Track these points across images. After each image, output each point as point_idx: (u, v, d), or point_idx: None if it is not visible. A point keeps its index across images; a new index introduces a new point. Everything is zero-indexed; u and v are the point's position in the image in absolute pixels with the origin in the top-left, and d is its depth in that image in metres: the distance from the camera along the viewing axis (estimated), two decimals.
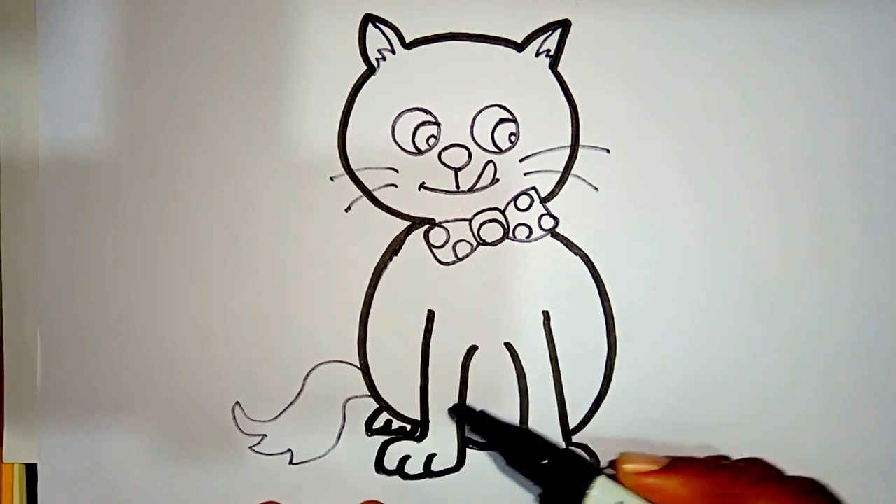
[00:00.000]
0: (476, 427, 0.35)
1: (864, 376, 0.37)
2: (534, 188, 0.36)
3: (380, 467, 0.37)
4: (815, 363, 0.37)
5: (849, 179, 0.37)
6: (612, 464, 0.33)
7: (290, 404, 0.37)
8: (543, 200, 0.37)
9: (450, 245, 0.36)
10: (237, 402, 0.37)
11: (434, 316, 0.37)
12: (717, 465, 0.31)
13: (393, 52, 0.37)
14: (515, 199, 0.36)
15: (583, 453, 0.36)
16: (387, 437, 0.37)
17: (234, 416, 0.37)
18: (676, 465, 0.31)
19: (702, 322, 0.36)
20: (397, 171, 0.36)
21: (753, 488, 0.30)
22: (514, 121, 0.36)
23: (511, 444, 0.34)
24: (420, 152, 0.36)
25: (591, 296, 0.36)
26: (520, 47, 0.36)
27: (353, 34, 0.37)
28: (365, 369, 0.37)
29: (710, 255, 0.36)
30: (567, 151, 0.37)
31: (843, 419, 0.37)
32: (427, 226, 0.37)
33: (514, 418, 0.37)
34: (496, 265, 0.37)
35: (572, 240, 0.37)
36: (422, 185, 0.36)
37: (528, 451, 0.33)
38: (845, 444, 0.37)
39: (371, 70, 0.37)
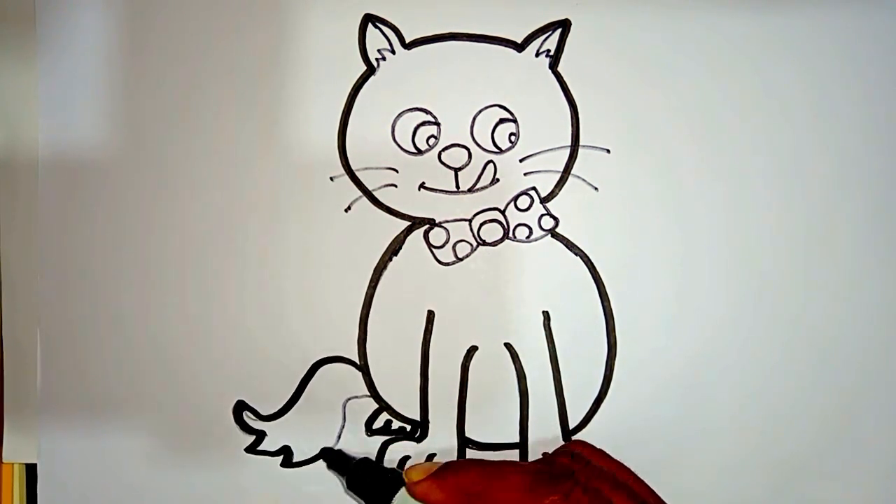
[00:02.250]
0: (330, 463, 0.37)
1: (866, 376, 0.37)
2: (534, 188, 0.36)
3: None
4: (816, 363, 0.37)
5: (854, 180, 0.37)
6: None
7: (291, 404, 0.37)
8: (543, 200, 0.37)
9: (450, 245, 0.36)
10: (238, 402, 0.37)
11: (434, 316, 0.37)
12: (472, 466, 0.33)
13: (393, 52, 0.37)
14: (515, 199, 0.36)
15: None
16: (387, 437, 0.37)
17: (234, 416, 0.37)
18: (440, 471, 0.33)
19: (702, 322, 0.36)
20: (397, 172, 0.36)
21: (491, 482, 0.32)
22: (514, 121, 0.36)
23: (349, 470, 0.35)
24: (420, 152, 0.36)
25: (591, 296, 0.37)
26: (520, 47, 0.36)
27: (353, 34, 0.37)
28: (365, 369, 0.37)
29: (710, 254, 0.36)
30: (567, 151, 0.37)
31: (845, 419, 0.37)
32: (427, 226, 0.37)
33: (514, 418, 0.37)
34: (496, 265, 0.37)
35: (572, 240, 0.37)
36: (422, 186, 0.36)
37: (345, 467, 0.36)
38: (845, 444, 0.37)
39: (371, 70, 0.37)
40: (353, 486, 0.35)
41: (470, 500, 0.32)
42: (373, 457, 0.37)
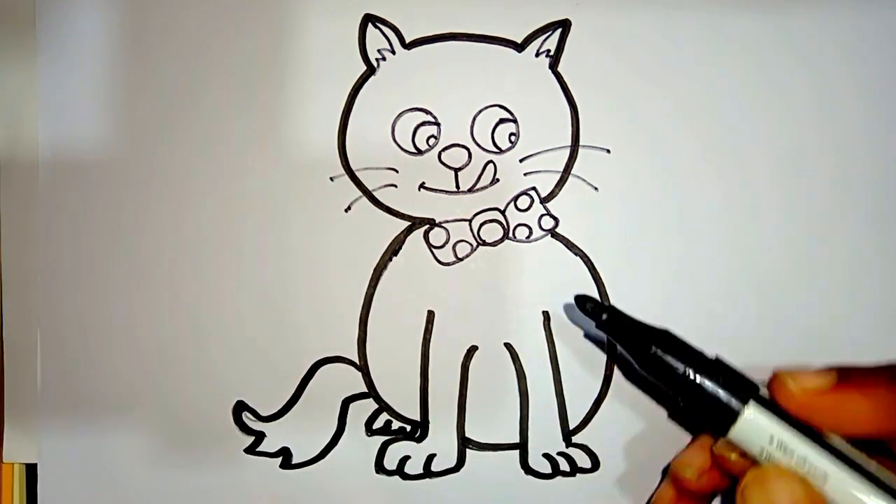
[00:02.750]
0: (605, 326, 0.31)
1: None
2: (534, 188, 0.36)
3: (379, 468, 0.37)
4: (822, 365, 0.37)
5: (854, 180, 0.37)
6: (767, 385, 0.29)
7: (290, 404, 0.37)
8: (543, 201, 0.37)
9: (450, 245, 0.36)
10: (238, 402, 0.37)
11: (434, 316, 0.37)
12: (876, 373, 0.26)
13: (393, 52, 0.37)
14: (515, 199, 0.36)
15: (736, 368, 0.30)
16: (386, 438, 0.37)
17: (234, 417, 0.37)
18: (850, 377, 0.26)
19: (702, 322, 0.36)
20: (397, 172, 0.36)
21: None
22: (514, 121, 0.36)
23: (649, 348, 0.29)
24: (420, 152, 0.36)
25: (591, 296, 0.36)
26: (520, 47, 0.36)
27: (353, 34, 0.37)
28: (365, 369, 0.37)
29: (710, 255, 0.36)
30: (567, 151, 0.37)
31: None
32: (427, 226, 0.37)
33: (514, 418, 0.37)
34: (496, 265, 0.37)
35: (572, 240, 0.37)
36: (422, 186, 0.36)
37: (672, 355, 0.29)
38: None
39: (371, 70, 0.37)
40: (687, 389, 0.28)
41: None
42: (373, 457, 0.37)
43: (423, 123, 0.36)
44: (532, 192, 0.36)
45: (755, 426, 0.26)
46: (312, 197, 0.37)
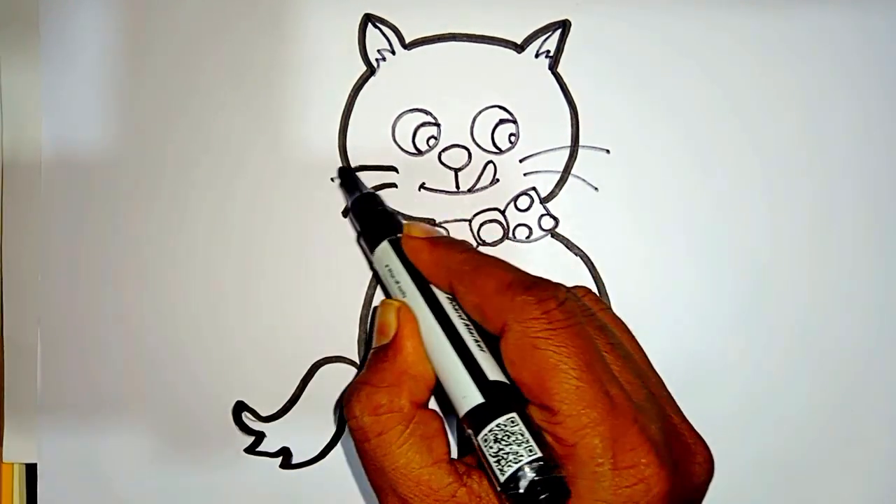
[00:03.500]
0: (343, 181, 0.36)
1: (865, 376, 0.37)
2: (534, 188, 0.36)
3: None
4: (817, 364, 0.37)
5: (850, 180, 0.37)
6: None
7: (290, 404, 0.37)
8: (543, 201, 0.37)
9: None
10: (238, 402, 0.37)
11: None
12: (469, 250, 0.31)
13: (393, 52, 0.37)
14: (515, 199, 0.36)
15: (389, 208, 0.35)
16: None
17: (234, 417, 0.37)
18: (439, 238, 0.32)
19: (702, 322, 0.36)
20: (397, 172, 0.36)
21: (479, 268, 0.29)
22: (514, 121, 0.36)
23: (357, 196, 0.35)
24: (420, 153, 0.36)
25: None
26: (520, 48, 0.37)
27: (353, 34, 0.37)
28: None
29: (710, 255, 0.36)
30: (567, 152, 0.37)
31: (846, 421, 0.37)
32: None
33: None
34: None
35: (572, 240, 0.37)
36: (422, 186, 0.36)
37: (354, 190, 0.35)
38: (844, 444, 0.37)
39: (371, 70, 0.37)
40: (354, 212, 0.35)
41: (450, 275, 0.30)
42: None
43: (423, 124, 0.36)
44: (532, 193, 0.36)
45: (380, 255, 0.33)
46: (313, 197, 0.37)
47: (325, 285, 0.37)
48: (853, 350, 0.37)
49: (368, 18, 0.36)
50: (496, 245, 0.36)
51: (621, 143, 0.36)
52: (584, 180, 0.37)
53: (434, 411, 0.30)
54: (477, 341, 0.29)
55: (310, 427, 0.37)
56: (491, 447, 0.26)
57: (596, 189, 0.37)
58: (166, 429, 0.37)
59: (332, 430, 0.37)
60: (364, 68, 0.37)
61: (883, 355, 0.37)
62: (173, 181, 0.37)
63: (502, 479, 0.25)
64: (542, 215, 0.36)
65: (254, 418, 0.37)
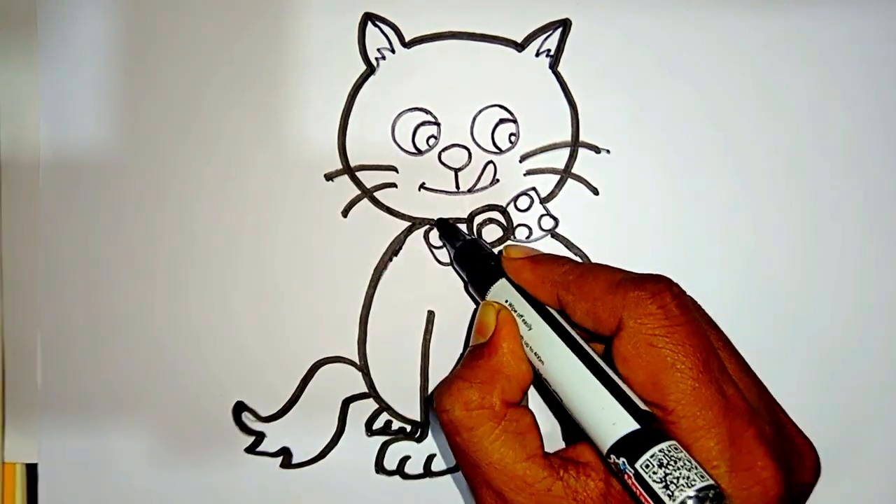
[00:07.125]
0: (443, 232, 0.36)
1: (863, 376, 0.37)
2: (534, 188, 0.36)
3: (380, 468, 0.37)
4: (817, 364, 0.37)
5: (850, 181, 0.37)
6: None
7: (290, 404, 0.37)
8: (543, 201, 0.36)
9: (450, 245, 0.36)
10: (238, 402, 0.37)
11: (434, 316, 0.37)
12: (568, 261, 0.31)
13: (393, 51, 0.36)
14: (515, 199, 0.36)
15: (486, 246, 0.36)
16: (387, 438, 0.37)
17: (234, 417, 0.37)
18: (538, 256, 0.32)
19: None
20: (397, 172, 0.36)
21: (583, 277, 0.29)
22: (514, 121, 0.36)
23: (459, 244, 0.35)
24: (420, 152, 0.36)
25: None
26: (520, 47, 0.36)
27: (353, 33, 0.36)
28: (365, 369, 0.37)
29: (710, 255, 0.36)
30: (567, 151, 0.36)
31: (850, 422, 0.37)
32: (427, 226, 0.37)
33: None
34: None
35: (572, 240, 0.36)
36: (422, 186, 0.36)
37: (455, 240, 0.36)
38: (843, 443, 0.37)
39: (371, 70, 0.36)
40: (458, 260, 0.35)
41: (556, 287, 0.30)
42: (373, 457, 0.37)
43: (423, 123, 0.36)
44: (532, 193, 0.36)
45: (498, 293, 0.33)
46: (312, 197, 0.36)
47: (325, 285, 0.37)
48: (850, 351, 0.37)
49: (368, 17, 0.36)
50: (496, 245, 0.36)
51: (621, 144, 0.36)
52: (584, 180, 0.36)
53: (525, 407, 0.30)
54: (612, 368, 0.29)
55: (310, 427, 0.37)
56: (655, 472, 0.25)
57: (596, 189, 0.36)
58: (166, 429, 0.37)
59: (333, 430, 0.37)
60: (364, 67, 0.36)
61: (880, 356, 0.37)
62: (172, 181, 0.37)
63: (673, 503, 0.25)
64: (543, 215, 0.36)
65: (254, 418, 0.37)
